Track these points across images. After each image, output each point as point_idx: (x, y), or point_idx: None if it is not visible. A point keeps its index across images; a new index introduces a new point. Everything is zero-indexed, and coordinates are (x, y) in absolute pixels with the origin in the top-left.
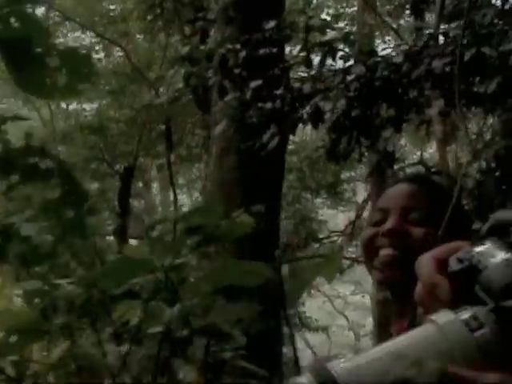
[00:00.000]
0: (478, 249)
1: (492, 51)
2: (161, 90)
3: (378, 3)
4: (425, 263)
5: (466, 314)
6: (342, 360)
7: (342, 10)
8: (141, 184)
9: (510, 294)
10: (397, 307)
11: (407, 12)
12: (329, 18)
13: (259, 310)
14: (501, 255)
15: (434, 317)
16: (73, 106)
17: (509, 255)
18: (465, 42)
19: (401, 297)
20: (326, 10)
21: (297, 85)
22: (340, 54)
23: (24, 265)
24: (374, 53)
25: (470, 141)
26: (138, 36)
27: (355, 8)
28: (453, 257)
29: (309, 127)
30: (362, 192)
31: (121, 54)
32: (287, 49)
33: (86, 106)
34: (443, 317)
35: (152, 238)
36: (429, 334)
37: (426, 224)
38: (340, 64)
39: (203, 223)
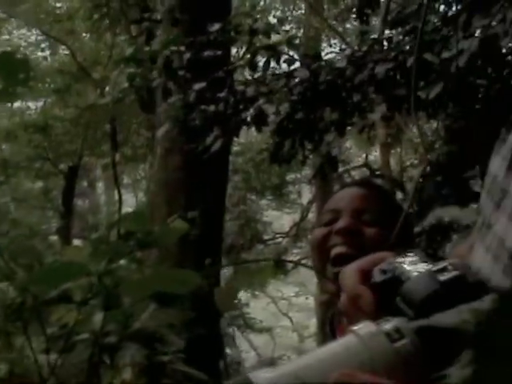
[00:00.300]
0: (401, 260)
1: (434, 58)
2: (106, 89)
3: (324, 6)
4: (349, 274)
5: (387, 325)
6: (265, 370)
7: (288, 13)
8: (85, 183)
9: (430, 305)
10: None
11: (353, 16)
12: (275, 21)
13: (193, 315)
14: (422, 266)
15: (355, 328)
16: (17, 103)
17: (430, 267)
18: (407, 48)
19: None
20: (273, 13)
21: (241, 87)
22: (284, 57)
23: None
24: (318, 57)
25: (423, 141)
26: (84, 34)
27: (302, 11)
28: (376, 268)
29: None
30: (307, 194)
31: (66, 52)
32: (234, 51)
33: (31, 104)
34: (365, 328)
35: (93, 240)
36: (350, 345)
37: (376, 224)
38: (284, 67)
39: (135, 229)
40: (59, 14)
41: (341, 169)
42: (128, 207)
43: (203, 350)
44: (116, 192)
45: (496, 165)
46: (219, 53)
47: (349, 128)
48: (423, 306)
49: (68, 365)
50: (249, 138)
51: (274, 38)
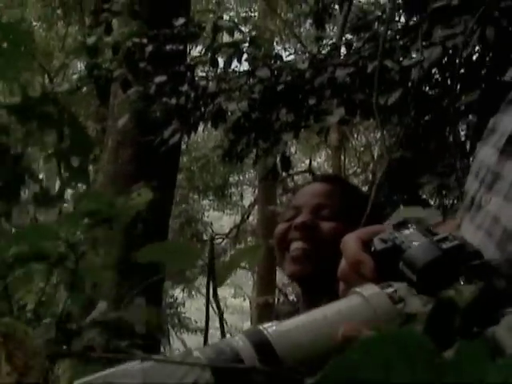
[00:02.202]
0: (401, 231)
1: (394, 65)
2: (55, 80)
3: (280, 11)
4: (350, 241)
5: (389, 289)
6: (274, 323)
7: (244, 14)
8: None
9: (432, 271)
10: (305, 304)
11: (309, 21)
12: (236, 20)
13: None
14: (422, 238)
15: (359, 289)
16: None
17: (431, 237)
18: (367, 54)
19: (311, 292)
20: (226, 13)
21: (202, 83)
22: (246, 56)
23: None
24: (279, 57)
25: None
26: (34, 23)
27: (257, 13)
28: (376, 237)
29: (201, 128)
30: (249, 196)
31: None
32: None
33: None
34: (369, 289)
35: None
36: (355, 304)
37: (336, 220)
38: (245, 66)
39: (97, 206)
40: (10, 0)
41: (284, 174)
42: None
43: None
44: (57, 183)
45: (486, 152)
46: (181, 47)
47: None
48: (426, 271)
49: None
50: (195, 138)
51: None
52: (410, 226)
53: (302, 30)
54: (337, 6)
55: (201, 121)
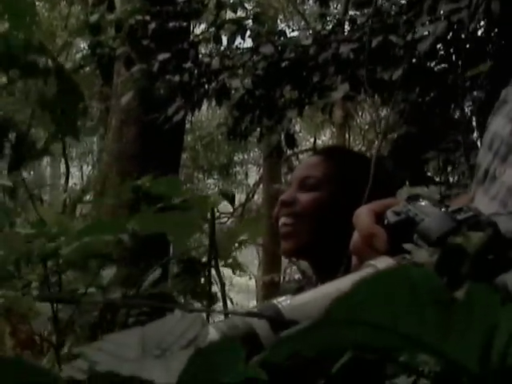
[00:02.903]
0: (415, 204)
1: (399, 40)
2: (59, 59)
3: None
4: (362, 214)
5: (404, 261)
6: (288, 297)
7: None
8: None
9: (447, 240)
10: (317, 279)
11: None
12: None
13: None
14: (436, 210)
15: (373, 262)
16: None
17: (444, 210)
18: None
19: (317, 267)
20: None
21: (206, 60)
22: (249, 33)
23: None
24: (283, 34)
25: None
26: (37, 3)
27: None
28: (389, 210)
29: (205, 106)
30: (254, 175)
31: None
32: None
33: None
34: (383, 262)
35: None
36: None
37: (318, 189)
38: (249, 43)
39: (165, 194)
40: None
41: (289, 152)
42: (74, 180)
43: None
44: (62, 164)
45: (498, 123)
46: (184, 24)
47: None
48: (441, 242)
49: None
50: (199, 117)
51: (239, 13)
52: (422, 199)
53: (305, 7)
54: None
55: (204, 98)
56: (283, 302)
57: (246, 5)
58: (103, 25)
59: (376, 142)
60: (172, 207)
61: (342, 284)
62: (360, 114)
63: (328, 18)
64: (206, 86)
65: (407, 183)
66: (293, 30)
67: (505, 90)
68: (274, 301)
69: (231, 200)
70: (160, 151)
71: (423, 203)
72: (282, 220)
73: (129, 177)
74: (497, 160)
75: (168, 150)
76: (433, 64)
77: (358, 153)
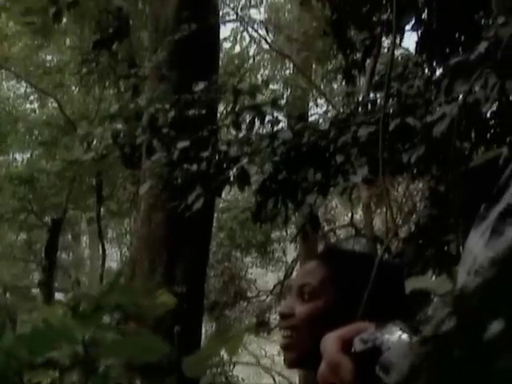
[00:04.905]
0: (383, 331)
1: (416, 122)
2: (94, 142)
3: (313, 65)
4: (329, 343)
5: None
6: None
7: (276, 72)
8: (70, 237)
9: (408, 378)
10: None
11: (340, 76)
12: (262, 80)
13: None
14: (404, 338)
15: None
16: (3, 156)
17: (411, 339)
18: (390, 111)
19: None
20: (261, 71)
21: (224, 147)
22: (269, 118)
23: None
24: (302, 118)
25: (390, 207)
26: (73, 88)
27: (290, 70)
28: (357, 337)
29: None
30: (292, 252)
31: (55, 105)
32: (221, 107)
33: (18, 156)
34: None
35: (75, 301)
36: None
37: (315, 298)
38: (269, 127)
39: (124, 301)
40: (49, 67)
41: (326, 228)
42: (112, 261)
43: None
44: (100, 246)
45: (474, 240)
46: (204, 112)
47: (332, 188)
48: (401, 378)
49: None
50: (235, 195)
51: (260, 97)
52: (395, 324)
53: (334, 85)
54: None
55: (225, 185)
56: None
57: (273, 86)
58: (127, 113)
59: (414, 215)
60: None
61: None
62: (396, 186)
63: (353, 98)
64: (226, 173)
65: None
66: (322, 113)
67: (484, 204)
68: None
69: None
70: (189, 235)
71: (391, 329)
72: (282, 332)
73: (158, 261)
74: (468, 277)
75: (197, 233)
76: (455, 142)
77: (360, 253)
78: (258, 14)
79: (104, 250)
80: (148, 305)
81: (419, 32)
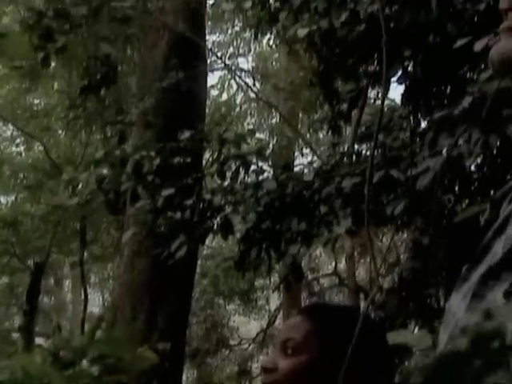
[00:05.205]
0: None
1: (400, 174)
2: (79, 187)
3: (299, 115)
4: None
5: None
6: None
7: (263, 121)
8: (52, 281)
9: None
10: None
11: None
12: (248, 129)
13: None
14: None
15: None
16: None
17: None
18: (375, 162)
19: None
20: (248, 119)
21: (208, 196)
22: (253, 167)
23: None
24: (287, 168)
25: (373, 258)
26: (59, 132)
27: (276, 119)
28: None
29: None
30: (275, 300)
31: (41, 148)
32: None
33: (2, 199)
34: None
35: (57, 344)
36: None
37: (296, 354)
38: (253, 176)
39: (106, 352)
40: (36, 111)
41: (310, 276)
42: (94, 307)
43: None
44: (83, 291)
45: (456, 302)
46: (189, 160)
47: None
48: None
49: None
50: (219, 242)
51: (246, 146)
52: None
53: (320, 135)
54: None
55: (208, 233)
56: None
57: (260, 135)
58: (113, 159)
59: (397, 267)
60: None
61: None
62: (381, 237)
63: (338, 148)
64: (210, 221)
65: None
66: (306, 163)
67: (466, 266)
68: None
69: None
70: (171, 280)
71: None
72: None
73: (140, 308)
74: (451, 341)
75: (180, 279)
76: (438, 195)
77: (343, 307)
78: (245, 63)
79: (86, 295)
80: (130, 359)
81: (405, 84)
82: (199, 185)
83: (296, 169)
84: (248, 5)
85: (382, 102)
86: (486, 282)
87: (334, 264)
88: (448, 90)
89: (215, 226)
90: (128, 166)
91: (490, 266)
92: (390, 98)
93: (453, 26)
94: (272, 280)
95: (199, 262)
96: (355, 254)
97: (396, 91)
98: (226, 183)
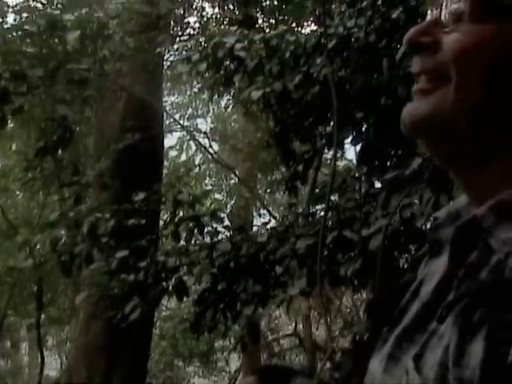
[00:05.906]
0: None
1: (353, 235)
2: (37, 247)
3: (257, 175)
4: None
5: None
6: None
7: (221, 181)
8: (9, 343)
9: None
10: None
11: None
12: (209, 188)
13: None
14: None
15: None
16: None
17: None
18: (329, 223)
19: None
20: (207, 179)
21: (162, 258)
22: (208, 229)
23: None
24: (242, 228)
25: (327, 319)
26: (17, 193)
27: (235, 179)
28: None
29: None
30: (235, 361)
31: None
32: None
33: None
34: None
35: None
36: None
37: None
38: (207, 238)
39: None
40: None
41: (270, 337)
42: (51, 370)
43: None
44: (39, 354)
45: (375, 365)
46: (144, 221)
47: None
48: None
49: None
50: (178, 304)
51: (202, 207)
52: None
53: (277, 195)
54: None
55: (163, 295)
56: None
57: (218, 195)
58: (68, 221)
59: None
60: None
61: None
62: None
63: (295, 209)
64: (164, 283)
65: None
66: (261, 224)
67: (386, 328)
68: None
69: None
70: (128, 343)
71: None
72: None
73: (95, 371)
74: None
75: (136, 341)
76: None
77: (296, 369)
78: (204, 124)
79: (43, 358)
80: None
81: (361, 145)
82: (154, 246)
83: (254, 229)
84: (203, 67)
85: (334, 164)
86: (400, 344)
87: (294, 325)
88: (400, 152)
89: (170, 288)
90: (83, 227)
91: (404, 328)
92: (347, 159)
93: (403, 88)
94: (231, 341)
95: (158, 324)
96: (314, 314)
97: (353, 152)
98: (180, 244)
